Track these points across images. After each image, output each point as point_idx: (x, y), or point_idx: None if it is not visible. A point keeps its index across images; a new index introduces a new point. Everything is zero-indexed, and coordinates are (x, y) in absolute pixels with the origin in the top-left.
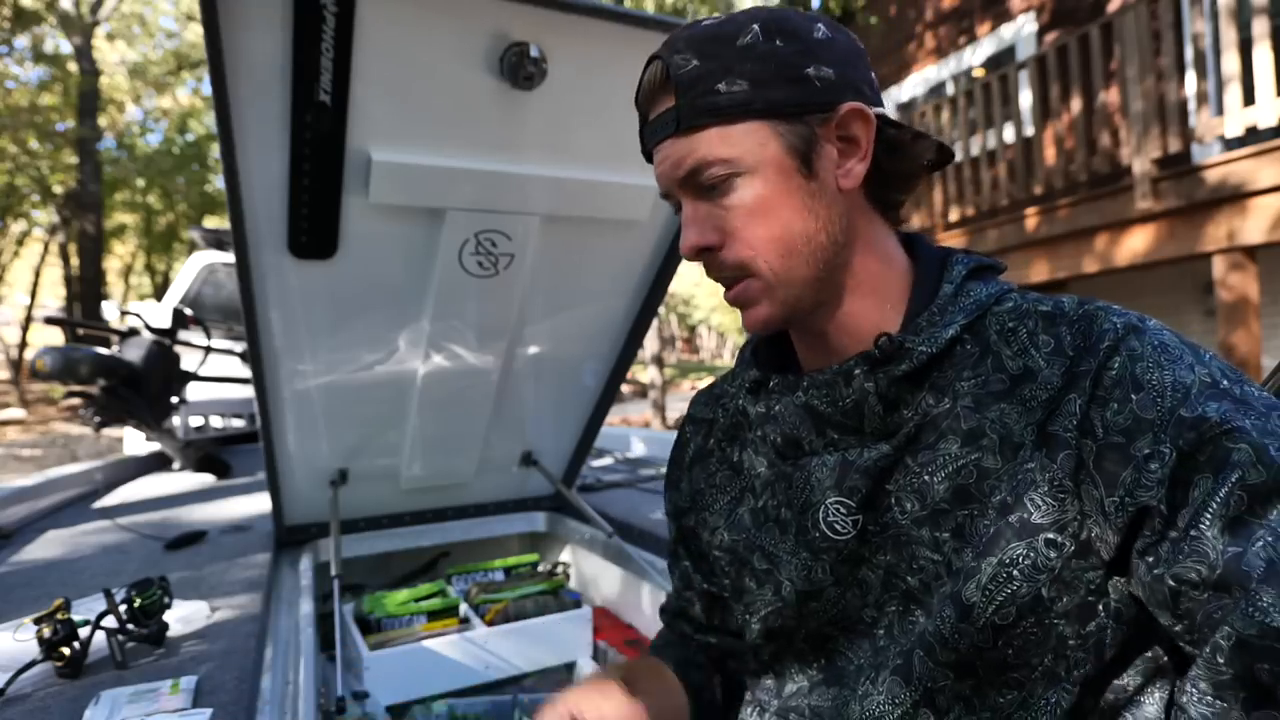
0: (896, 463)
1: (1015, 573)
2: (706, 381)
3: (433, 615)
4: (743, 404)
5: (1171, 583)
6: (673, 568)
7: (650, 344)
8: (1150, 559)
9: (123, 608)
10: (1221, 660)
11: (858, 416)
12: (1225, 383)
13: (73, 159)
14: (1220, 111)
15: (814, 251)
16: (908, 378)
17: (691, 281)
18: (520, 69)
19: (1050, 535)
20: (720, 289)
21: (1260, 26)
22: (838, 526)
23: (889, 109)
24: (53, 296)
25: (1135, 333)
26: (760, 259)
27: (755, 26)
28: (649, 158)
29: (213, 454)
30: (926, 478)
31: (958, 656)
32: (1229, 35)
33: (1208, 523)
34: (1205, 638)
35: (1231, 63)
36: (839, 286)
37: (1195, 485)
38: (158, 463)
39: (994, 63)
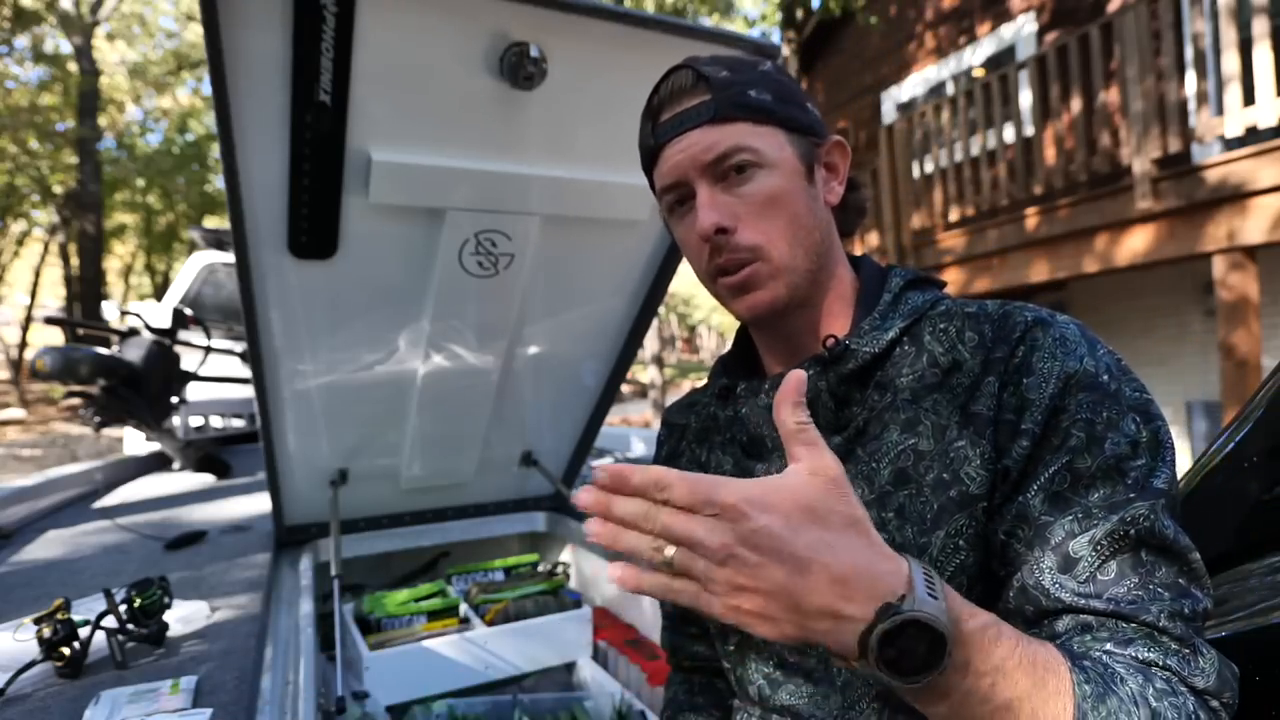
0: (849, 453)
1: (962, 543)
2: (703, 384)
3: (433, 615)
4: (713, 410)
5: (1003, 537)
6: None
7: (650, 344)
8: (995, 518)
9: (123, 608)
10: (1010, 594)
11: (813, 413)
12: (1105, 377)
13: (73, 159)
14: (1220, 111)
15: (812, 246)
16: (854, 376)
17: (691, 281)
18: (520, 69)
19: (986, 504)
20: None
21: (1260, 26)
22: None
23: (889, 110)
24: (53, 296)
25: (1041, 325)
26: (771, 245)
27: (768, 63)
28: (655, 154)
29: (213, 454)
30: (874, 465)
31: None
32: (1229, 35)
33: (1033, 493)
34: (1008, 580)
35: (1231, 63)
36: (819, 287)
37: (1041, 461)
38: (158, 463)
39: (994, 63)
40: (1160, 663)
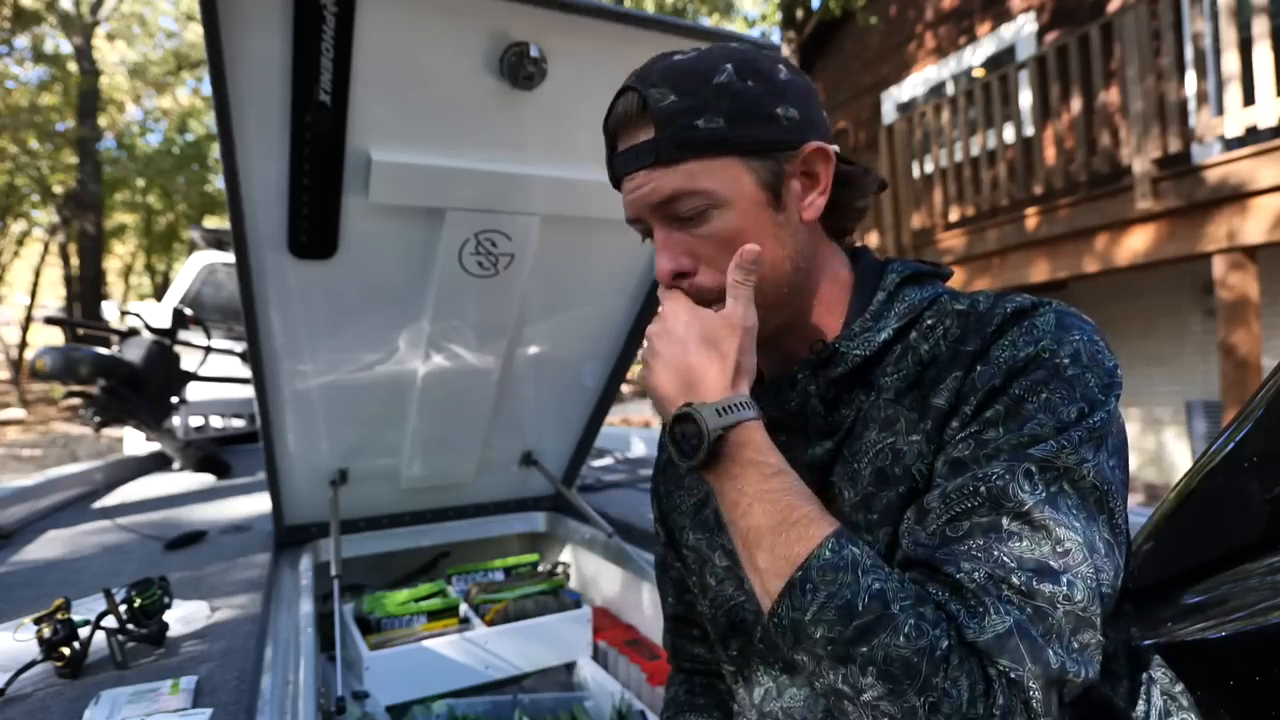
0: (837, 457)
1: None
2: None
3: (433, 615)
4: None
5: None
6: (663, 580)
7: None
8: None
9: (123, 608)
10: (897, 556)
11: (802, 418)
12: (1065, 360)
13: (73, 159)
14: (1220, 111)
15: (781, 278)
16: (845, 379)
17: None
18: (520, 69)
19: None
20: None
21: (1260, 26)
22: None
23: (889, 110)
24: (53, 296)
25: (1017, 316)
26: None
27: (729, 66)
28: (617, 184)
29: (213, 454)
30: (856, 466)
31: None
32: (1229, 35)
33: (941, 459)
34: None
35: (1231, 63)
36: (798, 307)
37: (962, 432)
38: (158, 463)
39: (994, 63)
40: (944, 604)
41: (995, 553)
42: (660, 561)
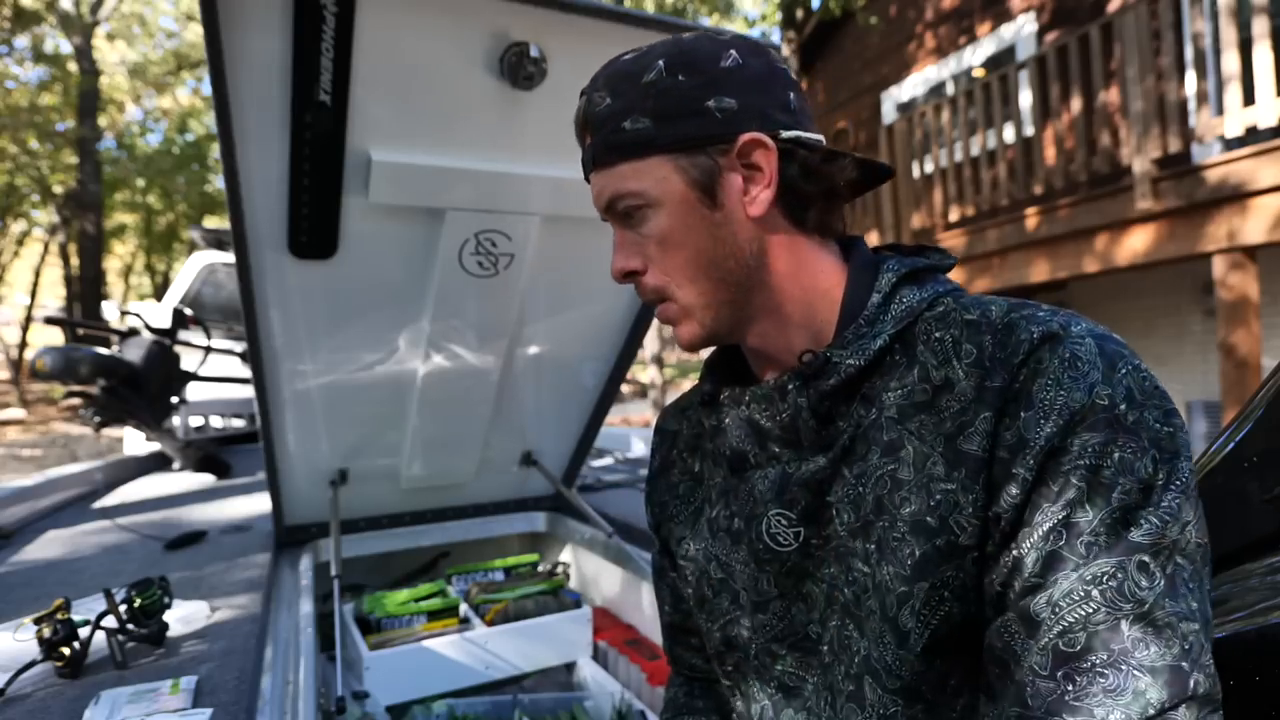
0: (835, 475)
1: (947, 594)
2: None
3: (433, 615)
4: (699, 417)
5: (998, 588)
6: (660, 587)
7: (650, 344)
8: (989, 567)
9: (123, 608)
10: (985, 651)
11: (795, 430)
12: (1122, 407)
13: (73, 159)
14: (1220, 111)
15: (724, 276)
16: (839, 391)
17: None
18: (520, 69)
19: (977, 553)
20: None
21: (1260, 26)
22: (780, 539)
23: (889, 110)
24: (53, 296)
25: (1049, 343)
26: (674, 284)
27: (660, 63)
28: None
29: (213, 454)
30: (860, 489)
31: (902, 684)
32: (1229, 35)
33: (1027, 549)
34: (997, 655)
35: (1231, 63)
36: (761, 306)
37: (1039, 510)
38: (158, 463)
39: (994, 63)
40: None
41: (1124, 669)
42: (658, 568)
